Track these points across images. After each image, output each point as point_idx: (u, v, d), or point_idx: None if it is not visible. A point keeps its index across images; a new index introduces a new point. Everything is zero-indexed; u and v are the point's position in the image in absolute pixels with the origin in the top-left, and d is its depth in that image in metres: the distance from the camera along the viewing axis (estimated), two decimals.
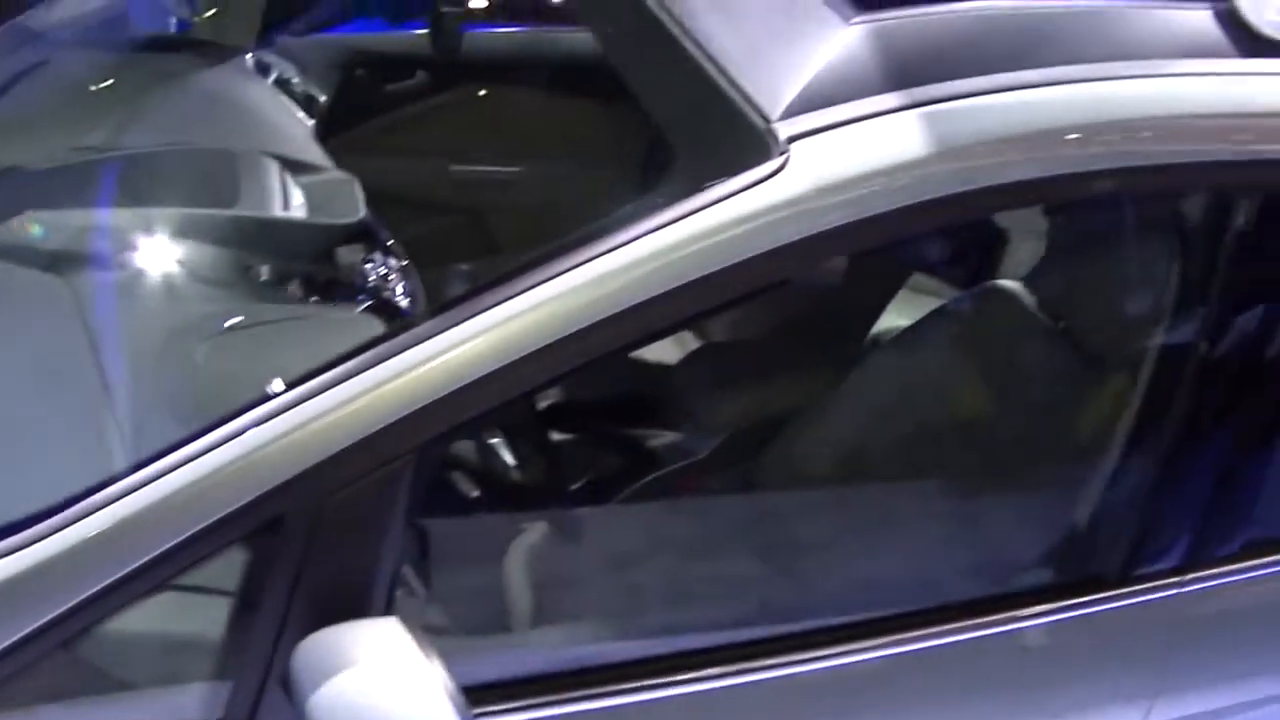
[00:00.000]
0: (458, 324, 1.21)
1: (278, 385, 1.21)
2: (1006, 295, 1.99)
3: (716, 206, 1.25)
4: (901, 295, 2.47)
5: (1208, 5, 1.55)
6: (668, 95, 1.55)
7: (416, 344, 1.21)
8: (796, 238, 1.26)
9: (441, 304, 1.26)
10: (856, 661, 1.53)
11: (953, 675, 1.61)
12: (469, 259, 2.61)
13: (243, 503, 1.17)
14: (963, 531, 1.88)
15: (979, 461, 1.95)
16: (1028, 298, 1.96)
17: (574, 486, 2.14)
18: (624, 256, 1.23)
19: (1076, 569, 1.68)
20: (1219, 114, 1.47)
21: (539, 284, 1.22)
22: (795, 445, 2.11)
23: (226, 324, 1.69)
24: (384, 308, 1.98)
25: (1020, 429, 1.94)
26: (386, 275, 2.08)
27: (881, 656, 1.54)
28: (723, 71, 1.40)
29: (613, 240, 1.24)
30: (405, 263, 2.14)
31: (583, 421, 2.22)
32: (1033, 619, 1.60)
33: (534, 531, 1.81)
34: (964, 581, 1.76)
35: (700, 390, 2.23)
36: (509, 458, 1.74)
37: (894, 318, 2.43)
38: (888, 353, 2.19)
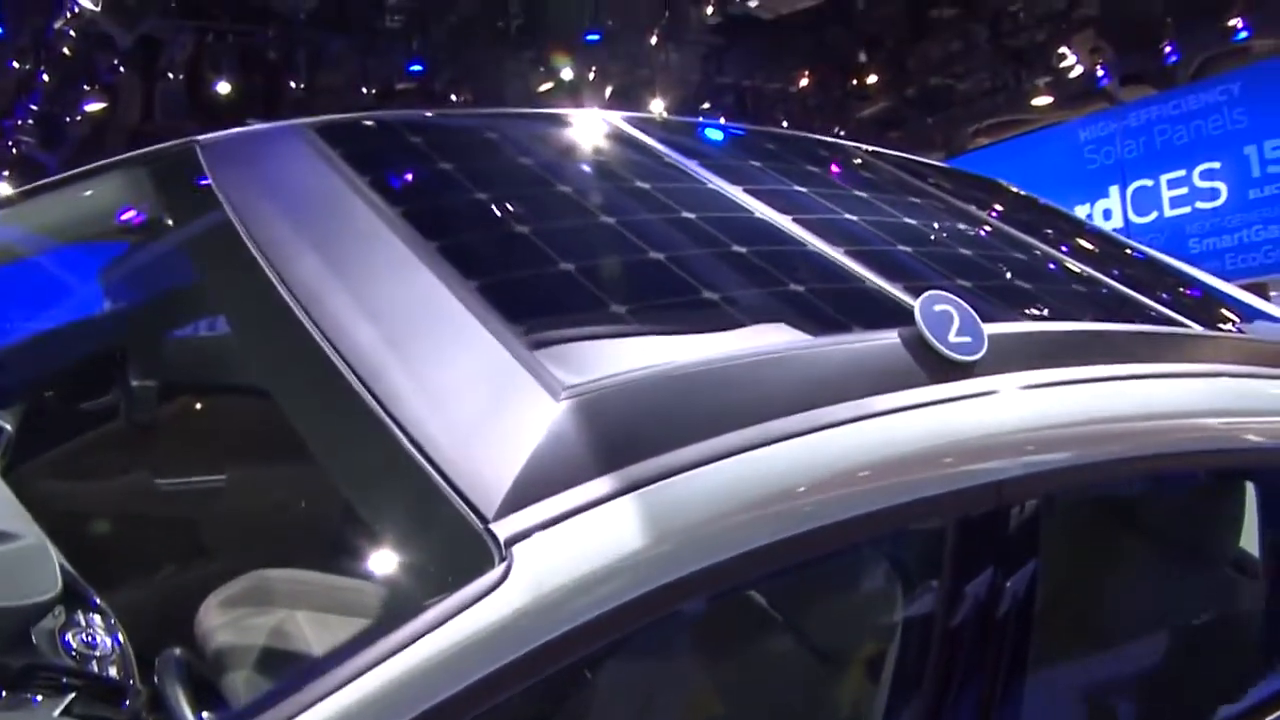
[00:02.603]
0: None
1: None
2: None
3: (441, 630, 1.18)
4: None
5: (893, 331, 1.62)
6: (373, 488, 1.46)
7: None
8: (530, 647, 1.22)
9: None
10: None
11: None
12: (187, 579, 2.46)
13: None
14: None
15: None
16: None
17: None
18: (347, 697, 1.16)
19: None
20: (923, 448, 1.52)
21: None
22: None
23: None
24: (93, 689, 1.82)
25: None
26: (92, 644, 1.92)
27: None
28: (432, 463, 1.32)
29: (335, 678, 1.16)
30: (112, 621, 1.99)
31: None
32: None
33: None
34: None
35: None
36: None
37: None
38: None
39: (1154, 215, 11.63)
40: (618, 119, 2.42)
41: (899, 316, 1.65)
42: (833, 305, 1.70)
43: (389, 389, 1.44)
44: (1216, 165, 11.31)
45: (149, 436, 2.58)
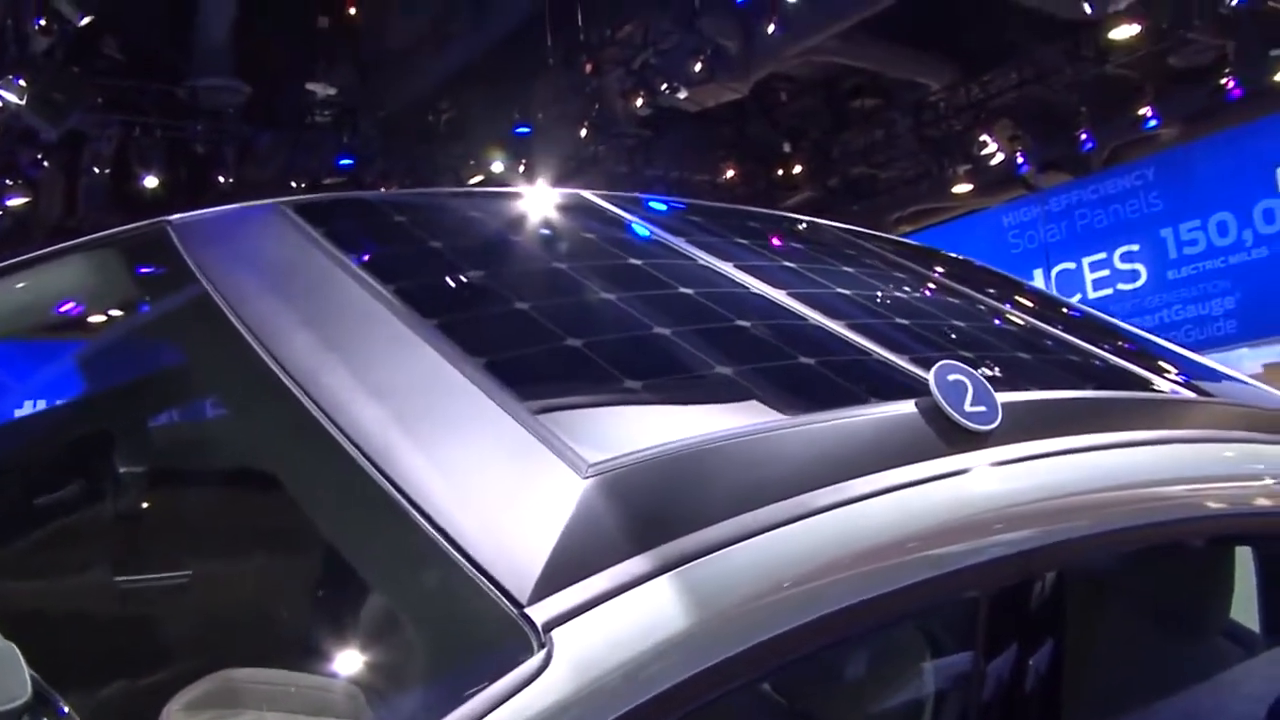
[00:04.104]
0: None
1: None
2: None
3: None
4: None
5: (909, 403, 1.60)
6: (391, 575, 1.39)
7: None
8: None
9: None
10: None
11: None
12: (150, 678, 2.34)
13: None
14: None
15: None
16: None
17: None
18: None
19: None
20: (953, 520, 1.49)
21: None
22: None
23: None
24: None
25: None
26: None
27: None
28: (455, 546, 1.25)
29: None
30: None
31: None
32: None
33: None
34: None
35: None
36: None
37: None
38: None
39: (1077, 297, 11.88)
40: (598, 197, 2.40)
41: (911, 388, 1.63)
42: (844, 378, 1.67)
43: (402, 470, 1.37)
44: (1135, 248, 11.62)
45: (130, 529, 2.47)
